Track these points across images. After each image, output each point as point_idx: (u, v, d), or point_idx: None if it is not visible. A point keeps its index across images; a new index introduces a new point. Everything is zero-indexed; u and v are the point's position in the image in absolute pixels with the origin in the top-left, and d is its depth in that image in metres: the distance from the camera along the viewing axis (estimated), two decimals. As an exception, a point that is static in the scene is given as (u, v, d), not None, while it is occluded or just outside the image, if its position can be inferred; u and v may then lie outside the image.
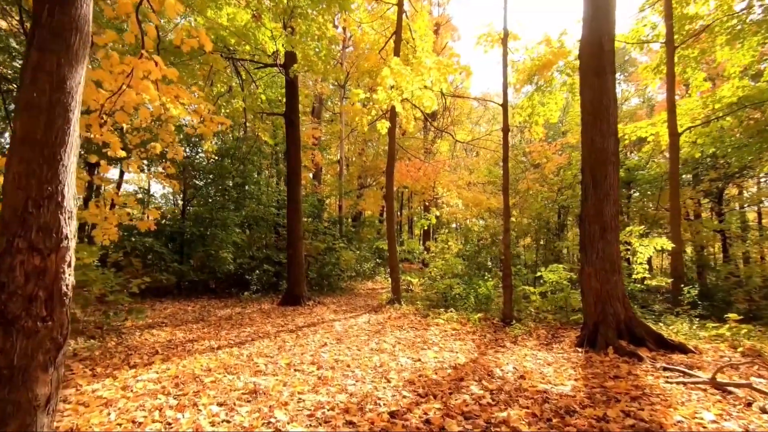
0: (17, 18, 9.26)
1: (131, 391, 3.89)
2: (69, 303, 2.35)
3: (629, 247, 8.83)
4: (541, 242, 15.91)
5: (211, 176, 14.14)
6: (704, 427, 3.18)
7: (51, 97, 2.29)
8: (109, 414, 3.34)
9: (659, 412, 3.42)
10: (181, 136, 12.63)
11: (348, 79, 20.19)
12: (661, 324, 7.03)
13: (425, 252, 16.51)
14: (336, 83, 21.99)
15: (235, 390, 3.97)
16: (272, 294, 12.56)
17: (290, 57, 10.76)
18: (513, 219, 12.96)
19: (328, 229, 16.41)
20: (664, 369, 4.73)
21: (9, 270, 2.15)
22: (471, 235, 18.17)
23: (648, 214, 14.32)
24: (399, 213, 26.74)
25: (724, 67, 11.29)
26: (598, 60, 6.36)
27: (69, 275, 2.35)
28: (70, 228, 2.35)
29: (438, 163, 20.39)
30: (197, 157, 13.99)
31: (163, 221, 12.98)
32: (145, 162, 13.96)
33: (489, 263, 14.99)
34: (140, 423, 3.20)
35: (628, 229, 8.93)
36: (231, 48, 10.86)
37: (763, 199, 16.55)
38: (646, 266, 9.04)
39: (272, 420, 3.30)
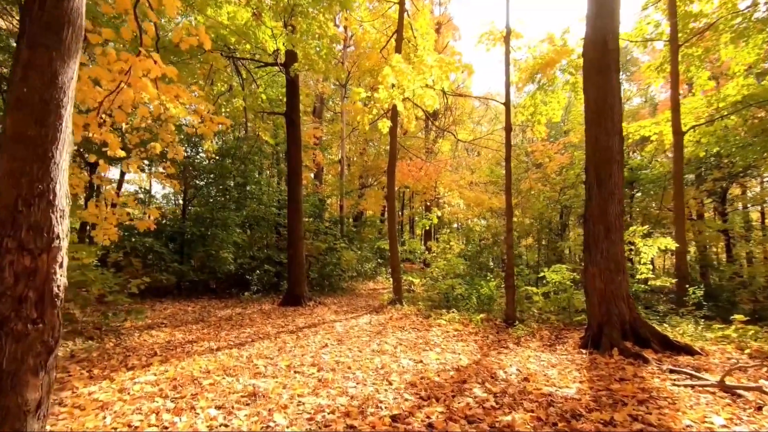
0: (17, 18, 9.22)
1: (128, 393, 3.82)
2: (60, 304, 2.28)
3: (632, 247, 8.75)
4: (543, 242, 15.82)
5: (211, 176, 14.08)
6: (714, 432, 3.10)
7: (42, 93, 2.22)
8: (104, 417, 3.27)
9: (668, 416, 3.34)
10: (182, 136, 12.58)
11: (349, 78, 20.12)
12: (665, 325, 6.94)
13: (427, 252, 16.42)
14: (337, 83, 21.93)
15: (234, 392, 3.90)
16: (273, 294, 12.49)
17: (291, 56, 10.69)
18: (515, 219, 12.88)
19: (329, 229, 16.33)
20: (671, 371, 4.65)
21: (-2, 270, 2.08)
22: (472, 235, 18.11)
23: (651, 214, 14.22)
24: (400, 213, 26.67)
25: (729, 65, 11.20)
26: (602, 58, 6.28)
27: (61, 276, 2.28)
28: (62, 227, 2.29)
29: (439, 162, 20.30)
30: (198, 157, 13.93)
31: (164, 221, 12.93)
32: (146, 162, 13.92)
33: (491, 263, 14.93)
34: (136, 427, 3.13)
35: (632, 229, 8.84)
36: (231, 47, 10.80)
37: (766, 198, 16.44)
38: (650, 266, 8.96)
39: (271, 424, 3.23)
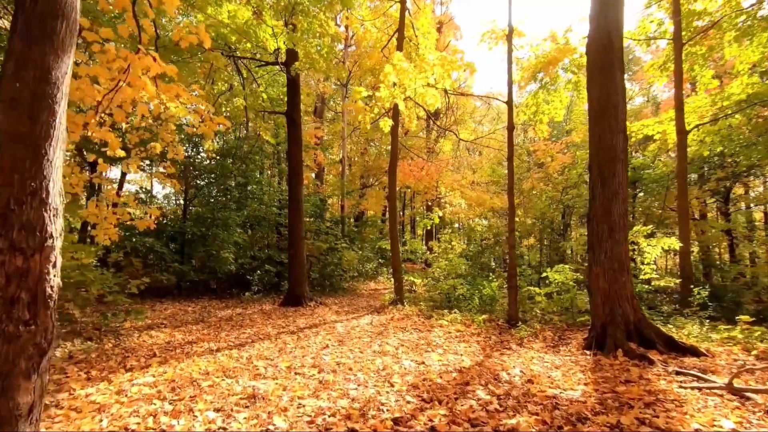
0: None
1: (126, 395, 3.76)
2: (54, 305, 2.23)
3: (635, 247, 8.67)
4: (545, 242, 15.73)
5: (212, 176, 14.04)
6: (724, 436, 3.04)
7: (35, 89, 2.17)
8: (101, 420, 3.22)
9: (675, 420, 3.27)
10: (182, 136, 12.53)
11: (350, 78, 20.06)
12: (670, 325, 6.87)
13: (428, 252, 16.36)
14: (338, 82, 21.87)
15: (234, 395, 3.84)
16: (274, 294, 12.43)
17: (292, 55, 10.64)
18: (517, 219, 12.79)
19: (330, 229, 16.27)
20: (677, 373, 4.58)
21: (-11, 271, 2.02)
22: (474, 235, 18.03)
23: (653, 214, 14.12)
24: (401, 213, 26.61)
25: (733, 64, 11.11)
26: (606, 55, 6.21)
27: (54, 276, 2.22)
28: (56, 226, 2.23)
29: (441, 162, 20.24)
30: (198, 156, 13.89)
31: (164, 221, 12.89)
32: (147, 162, 13.89)
33: (492, 263, 14.85)
34: (133, 430, 3.07)
35: (635, 228, 8.76)
36: (232, 46, 10.75)
37: (770, 198, 16.33)
38: (654, 267, 8.88)
39: (271, 427, 3.17)
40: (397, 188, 13.82)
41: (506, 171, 18.12)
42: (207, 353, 5.57)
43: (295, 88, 11.34)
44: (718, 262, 14.70)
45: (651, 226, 10.13)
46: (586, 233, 9.64)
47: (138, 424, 3.16)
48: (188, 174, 13.42)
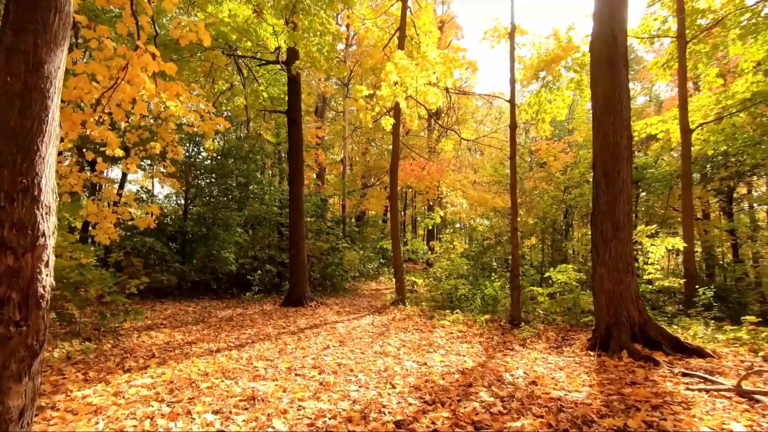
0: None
1: (123, 397, 3.70)
2: (46, 306, 2.16)
3: (638, 247, 8.59)
4: (548, 242, 15.64)
5: (213, 176, 13.99)
6: (734, 440, 2.96)
7: (26, 81, 2.10)
8: (97, 423, 3.15)
9: (684, 423, 3.20)
10: (183, 135, 12.48)
11: (352, 77, 20.02)
12: (675, 326, 6.78)
13: (429, 252, 16.29)
14: (339, 82, 21.83)
15: (233, 396, 3.77)
16: (274, 294, 12.38)
17: (292, 54, 10.58)
18: (519, 219, 12.70)
19: (331, 229, 16.21)
20: (683, 374, 4.50)
21: (-21, 270, 1.96)
22: (476, 235, 17.94)
23: (656, 214, 14.03)
24: (403, 213, 26.55)
25: (737, 62, 11.01)
26: (610, 52, 6.13)
27: (47, 276, 2.16)
28: (48, 224, 2.16)
29: (442, 162, 20.16)
30: (199, 156, 13.84)
31: (165, 221, 12.84)
32: (148, 162, 13.83)
33: (494, 263, 14.76)
34: (130, 433, 3.02)
35: (639, 228, 8.68)
36: (232, 45, 10.70)
37: (774, 198, 16.21)
38: (658, 267, 8.80)
39: (270, 430, 3.10)
40: (399, 188, 13.73)
41: (508, 170, 18.05)
42: (206, 354, 5.51)
43: (296, 87, 11.29)
44: (721, 262, 14.58)
45: (655, 225, 10.03)
46: (590, 233, 9.56)
47: (134, 426, 3.10)
48: (189, 174, 13.38)
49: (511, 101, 8.62)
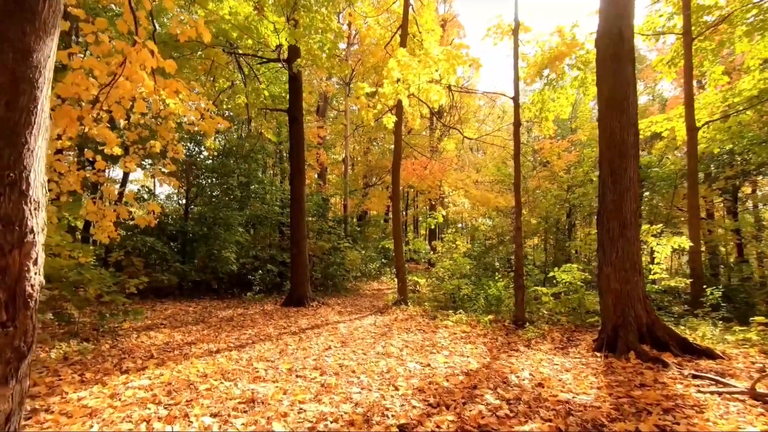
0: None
1: (119, 399, 3.61)
2: (35, 306, 2.07)
3: (644, 247, 8.47)
4: (551, 242, 15.52)
5: (214, 175, 13.90)
6: (751, 445, 2.85)
7: (14, 71, 2.01)
8: (91, 426, 3.06)
9: (697, 427, 3.09)
10: (184, 135, 12.41)
11: (353, 76, 19.92)
12: (682, 327, 6.66)
13: (431, 252, 16.18)
14: (341, 81, 21.74)
15: (232, 399, 3.68)
16: (275, 294, 12.29)
17: (293, 51, 10.49)
18: (522, 218, 12.58)
19: (332, 229, 16.12)
20: (694, 376, 4.39)
21: (-37, 268, 1.87)
22: (478, 235, 17.84)
23: (660, 213, 13.89)
24: (404, 213, 26.42)
25: (743, 60, 10.87)
26: (616, 48, 6.02)
27: (35, 274, 2.06)
28: (37, 220, 2.07)
29: (444, 161, 20.05)
30: (200, 155, 13.75)
31: (166, 220, 12.76)
32: (149, 162, 13.75)
33: (496, 263, 14.65)
34: (125, 437, 2.93)
35: (644, 227, 8.56)
36: (233, 43, 10.62)
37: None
38: (664, 266, 8.68)
39: (270, 434, 3.01)
40: (401, 187, 13.64)
41: (510, 170, 17.93)
42: (206, 355, 5.42)
43: (297, 86, 11.19)
44: (726, 262, 14.44)
45: (660, 225, 9.91)
46: (594, 232, 9.41)
47: (130, 430, 3.01)
48: (190, 173, 13.30)
49: (515, 99, 8.51)
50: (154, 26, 5.04)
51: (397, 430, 3.11)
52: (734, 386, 3.96)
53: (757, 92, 9.59)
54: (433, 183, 19.27)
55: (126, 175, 16.09)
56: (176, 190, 14.65)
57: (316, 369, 4.78)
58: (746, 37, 9.80)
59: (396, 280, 11.61)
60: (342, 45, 18.48)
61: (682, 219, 13.78)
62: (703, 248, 13.46)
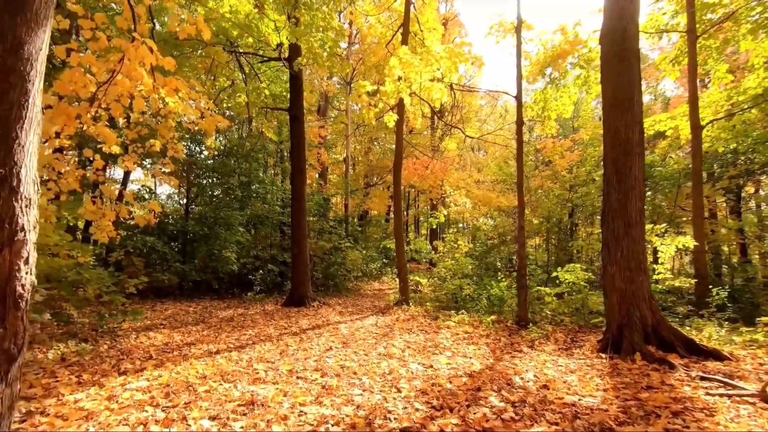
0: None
1: (116, 401, 3.54)
2: (26, 306, 2.00)
3: (648, 246, 8.37)
4: (553, 242, 15.43)
5: (215, 175, 13.83)
6: (764, 450, 2.77)
7: (4, 63, 1.94)
8: (87, 429, 2.99)
9: (708, 431, 3.01)
10: (185, 135, 12.35)
11: (354, 75, 19.86)
12: (687, 327, 6.58)
13: (433, 252, 16.10)
14: (342, 81, 21.68)
15: (231, 401, 3.61)
16: (276, 294, 12.22)
17: (294, 50, 10.42)
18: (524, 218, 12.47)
19: (333, 229, 16.04)
20: (702, 378, 4.31)
21: (-50, 267, 1.80)
22: (479, 235, 17.75)
23: (663, 213, 13.80)
24: (406, 212, 26.34)
25: (747, 58, 10.78)
26: (621, 45, 5.95)
27: (27, 274, 1.99)
28: (28, 218, 2.00)
29: (446, 160, 19.98)
30: (201, 155, 13.68)
31: (167, 220, 12.70)
32: (149, 161, 13.69)
33: (498, 263, 14.56)
34: (121, 440, 2.86)
35: (648, 227, 8.47)
36: (233, 41, 10.55)
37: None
38: (667, 266, 8.59)
39: (269, 437, 2.94)
40: (402, 187, 13.56)
41: (512, 169, 17.83)
42: (205, 355, 5.35)
43: (298, 84, 11.12)
44: (732, 262, 14.33)
45: (664, 224, 9.82)
46: (597, 232, 9.30)
47: (127, 433, 2.94)
48: (190, 173, 13.24)
49: (518, 97, 8.44)
50: (154, 24, 4.97)
51: (400, 433, 3.04)
52: (744, 389, 3.88)
53: (762, 90, 9.50)
54: (434, 182, 19.19)
55: (127, 174, 16.05)
56: (177, 190, 14.60)
57: (317, 370, 4.71)
58: (751, 35, 9.70)
59: (397, 280, 11.54)
60: (343, 44, 18.41)
61: (684, 219, 13.69)
62: (706, 248, 13.36)
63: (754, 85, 9.59)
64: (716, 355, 5.09)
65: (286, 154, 17.60)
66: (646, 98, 25.39)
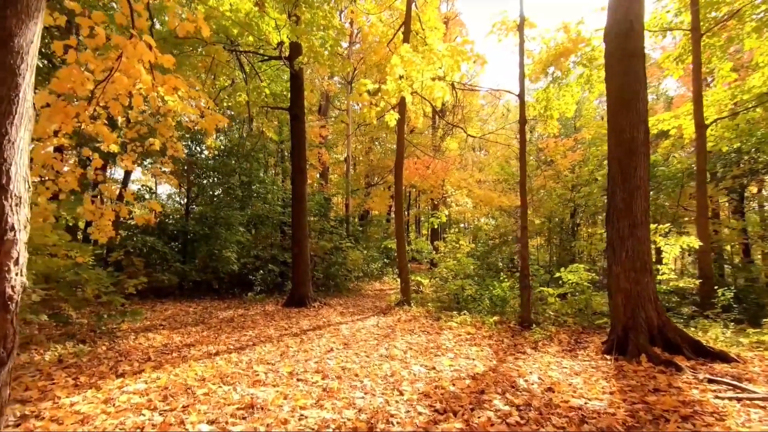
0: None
1: (113, 405, 3.47)
2: (16, 309, 1.93)
3: (652, 246, 8.28)
4: (554, 242, 15.34)
5: (216, 174, 13.77)
6: (778, 456, 2.70)
7: (-7, 57, 1.87)
8: (82, 434, 2.93)
9: (719, 436, 2.94)
10: (186, 134, 12.29)
11: (355, 75, 19.79)
12: (692, 328, 6.49)
13: (434, 252, 16.02)
14: (343, 81, 21.61)
15: (230, 404, 3.54)
16: (277, 295, 12.15)
17: (295, 49, 10.36)
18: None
19: (334, 228, 15.97)
20: (709, 381, 4.23)
21: (-64, 268, 1.73)
22: (480, 235, 17.67)
23: (666, 213, 13.71)
24: (406, 212, 26.27)
25: (751, 57, 10.69)
26: (626, 42, 5.87)
27: (16, 275, 1.92)
28: (19, 217, 1.93)
29: (447, 160, 19.90)
30: (201, 155, 13.62)
31: (167, 220, 12.64)
32: (150, 161, 13.63)
33: (500, 264, 14.48)
34: (117, 445, 2.79)
35: (651, 227, 8.38)
36: (234, 40, 10.48)
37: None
38: (672, 267, 8.51)
39: (269, 443, 2.86)
40: (403, 187, 13.48)
41: (514, 169, 17.75)
42: (205, 357, 5.28)
43: (299, 83, 11.05)
44: (731, 263, 14.23)
45: (668, 224, 9.73)
46: (600, 232, 9.21)
47: (123, 438, 2.87)
48: (191, 172, 13.17)
49: (521, 95, 8.36)
50: (153, 22, 4.90)
51: (403, 438, 2.96)
52: (754, 392, 3.80)
53: (767, 89, 9.41)
54: (435, 182, 19.11)
55: (128, 174, 15.99)
56: (177, 190, 14.54)
57: (317, 372, 4.64)
58: (755, 33, 9.62)
59: (398, 280, 11.46)
60: (344, 44, 18.32)
61: (686, 219, 13.60)
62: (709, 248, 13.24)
63: (758, 83, 9.51)
64: (723, 357, 5.01)
65: (286, 153, 17.53)
66: (648, 98, 25.30)
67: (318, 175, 21.32)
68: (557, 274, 8.80)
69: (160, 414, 3.29)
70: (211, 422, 3.15)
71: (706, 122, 9.32)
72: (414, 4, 11.33)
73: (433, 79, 7.88)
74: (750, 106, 9.74)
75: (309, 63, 10.25)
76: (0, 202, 1.85)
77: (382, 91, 7.87)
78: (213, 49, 9.62)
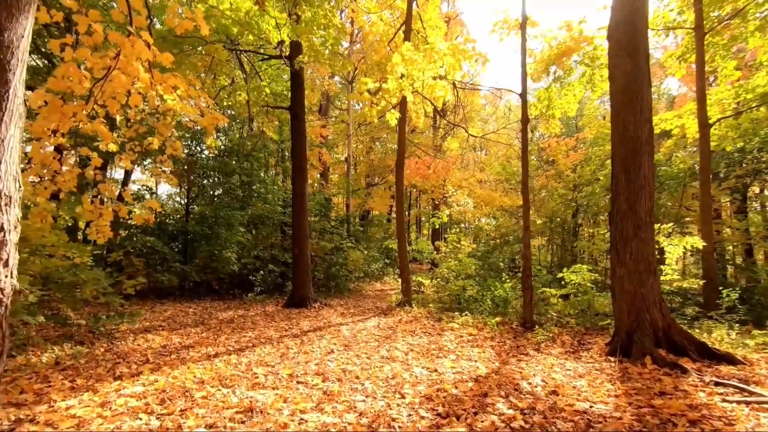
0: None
1: (110, 408, 3.41)
2: (6, 312, 1.86)
3: (656, 247, 8.21)
4: (556, 242, 15.28)
5: (216, 174, 13.71)
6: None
7: (-18, 51, 1.81)
8: (78, 439, 2.87)
9: (729, 442, 2.87)
10: (186, 134, 12.24)
11: (356, 74, 19.73)
12: (696, 330, 6.42)
13: (435, 252, 15.97)
14: (343, 80, 21.55)
15: (229, 408, 3.47)
16: (277, 295, 12.09)
17: (295, 48, 10.30)
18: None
19: (335, 229, 15.90)
20: (716, 384, 4.16)
21: None
22: (482, 235, 17.60)
23: (668, 213, 13.63)
24: (407, 212, 26.21)
25: (755, 56, 10.62)
26: (630, 40, 5.80)
27: (6, 277, 1.86)
28: (9, 217, 1.87)
29: (448, 159, 19.83)
30: (201, 155, 13.56)
31: (167, 220, 12.58)
32: (149, 160, 13.57)
33: (501, 264, 14.41)
34: (113, 451, 2.72)
35: (655, 227, 8.31)
36: (234, 39, 10.43)
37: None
38: (676, 267, 8.44)
39: (268, 448, 2.80)
40: (404, 186, 13.42)
41: (515, 168, 17.67)
42: (204, 359, 5.22)
43: (299, 82, 10.99)
44: (734, 263, 14.15)
45: (671, 224, 9.66)
46: (602, 232, 9.15)
47: (119, 443, 2.81)
48: (191, 172, 13.11)
49: (523, 94, 8.29)
50: (151, 19, 4.84)
51: (405, 443, 2.90)
52: (762, 395, 3.72)
53: (771, 89, 9.33)
54: (436, 182, 19.04)
55: (128, 174, 15.94)
56: (177, 190, 14.48)
57: (318, 374, 4.57)
58: (759, 32, 9.54)
59: (399, 280, 11.40)
60: (345, 43, 18.27)
61: (689, 219, 13.52)
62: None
63: (762, 83, 9.42)
64: (729, 359, 4.94)
65: (287, 153, 17.47)
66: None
67: (318, 175, 21.26)
68: (559, 275, 8.73)
69: (158, 418, 3.23)
70: (209, 426, 3.09)
71: (710, 121, 9.24)
72: (415, 2, 11.26)
73: (435, 78, 7.83)
74: (754, 105, 9.66)
75: (309, 62, 10.19)
76: (-11, 201, 1.79)
77: (383, 90, 7.81)
78: (213, 48, 9.57)
